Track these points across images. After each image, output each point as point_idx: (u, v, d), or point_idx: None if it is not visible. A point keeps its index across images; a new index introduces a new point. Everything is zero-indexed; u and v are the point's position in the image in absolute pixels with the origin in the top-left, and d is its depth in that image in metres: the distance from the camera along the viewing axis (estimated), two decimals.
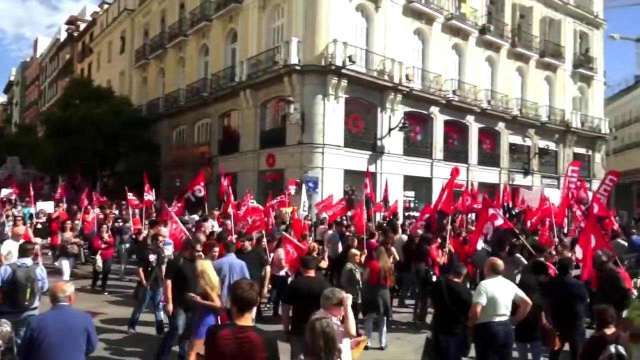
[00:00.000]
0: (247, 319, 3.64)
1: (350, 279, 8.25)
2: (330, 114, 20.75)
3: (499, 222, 9.70)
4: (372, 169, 22.24)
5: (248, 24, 24.40)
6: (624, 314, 6.13)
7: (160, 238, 9.07)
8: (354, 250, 8.96)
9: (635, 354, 4.91)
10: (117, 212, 18.11)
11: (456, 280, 6.43)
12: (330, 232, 13.36)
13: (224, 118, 26.70)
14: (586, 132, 32.49)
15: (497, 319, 5.83)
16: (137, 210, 15.99)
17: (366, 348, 8.08)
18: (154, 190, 16.85)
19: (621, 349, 4.65)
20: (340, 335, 4.01)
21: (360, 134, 22.47)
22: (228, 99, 25.01)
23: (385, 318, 8.39)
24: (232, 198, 13.28)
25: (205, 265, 6.64)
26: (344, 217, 15.72)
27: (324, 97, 20.59)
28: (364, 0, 22.36)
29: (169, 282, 6.80)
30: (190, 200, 14.60)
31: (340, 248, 11.91)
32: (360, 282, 8.27)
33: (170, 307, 6.79)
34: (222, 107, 26.11)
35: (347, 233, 12.99)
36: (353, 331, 4.50)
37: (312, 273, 6.23)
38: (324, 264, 10.13)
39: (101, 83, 38.62)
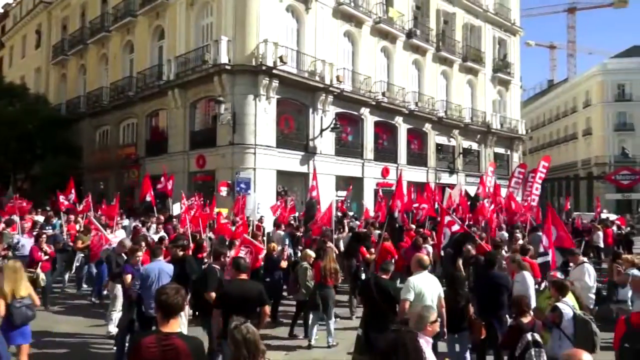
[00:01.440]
0: (173, 326, 3.51)
1: (302, 277, 8.51)
2: (262, 115, 20.60)
3: (456, 227, 10.19)
4: (304, 169, 22.38)
5: (176, 21, 23.68)
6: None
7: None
8: (308, 251, 9.15)
9: (548, 340, 5.25)
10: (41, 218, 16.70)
11: (384, 277, 6.56)
12: (280, 232, 13.47)
13: (151, 118, 25.75)
14: (505, 133, 34.53)
15: None
16: (63, 216, 14.85)
17: (309, 347, 8.20)
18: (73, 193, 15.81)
19: (537, 336, 4.94)
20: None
21: (293, 134, 22.50)
22: (155, 98, 24.16)
23: (328, 316, 8.41)
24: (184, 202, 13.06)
25: None
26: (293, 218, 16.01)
27: (255, 98, 20.41)
28: (294, 1, 22.41)
29: (212, 294, 6.47)
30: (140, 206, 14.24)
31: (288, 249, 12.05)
32: (311, 282, 8.52)
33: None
34: (149, 107, 25.17)
35: (298, 233, 13.48)
36: None
37: (244, 276, 6.04)
38: (284, 264, 10.13)
39: (14, 80, 35.98)
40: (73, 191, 15.52)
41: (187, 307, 7.56)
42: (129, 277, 7.43)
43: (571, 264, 8.66)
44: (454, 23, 31.30)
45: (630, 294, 6.55)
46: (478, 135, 32.81)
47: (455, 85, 31.54)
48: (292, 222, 15.38)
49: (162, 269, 7.15)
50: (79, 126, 29.90)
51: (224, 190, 17.93)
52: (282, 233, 13.34)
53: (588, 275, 7.97)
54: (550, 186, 55.84)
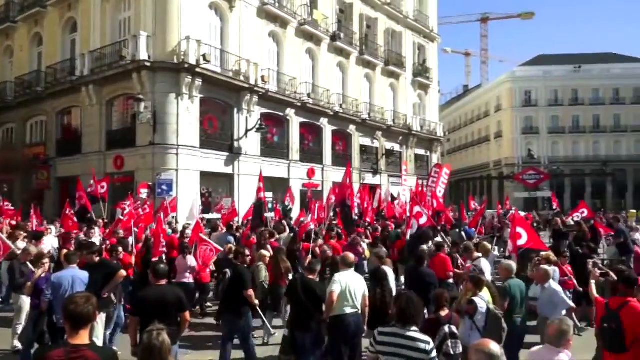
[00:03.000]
0: (83, 337, 3.28)
1: (257, 277, 8.50)
2: (185, 114, 19.99)
3: (424, 220, 10.28)
4: (229, 170, 22.01)
5: (90, 13, 22.39)
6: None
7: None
8: (263, 251, 9.17)
9: (461, 328, 5.54)
10: None
11: (311, 277, 6.58)
12: (216, 234, 13.28)
13: (62, 116, 24.17)
14: (425, 135, 36.05)
15: (349, 310, 6.08)
16: None
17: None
18: None
19: (454, 328, 5.17)
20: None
21: (217, 134, 22.05)
22: (67, 94, 22.70)
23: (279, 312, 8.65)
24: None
25: None
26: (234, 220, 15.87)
27: (177, 96, 19.77)
28: None
29: (251, 291, 6.97)
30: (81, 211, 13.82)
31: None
32: (266, 282, 8.53)
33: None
34: (61, 104, 23.61)
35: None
36: None
37: (163, 282, 5.83)
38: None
39: None
40: None
41: (102, 315, 7.15)
42: (29, 284, 6.92)
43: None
44: (376, 28, 32.19)
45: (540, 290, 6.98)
46: (400, 137, 33.97)
47: (378, 88, 32.44)
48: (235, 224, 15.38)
49: (76, 276, 6.73)
50: None
51: (144, 193, 17.17)
52: (221, 234, 13.10)
53: (485, 269, 8.49)
54: (466, 186, 59.22)
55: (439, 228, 14.58)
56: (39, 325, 7.00)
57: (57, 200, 23.51)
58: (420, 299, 4.52)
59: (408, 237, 10.65)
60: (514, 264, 7.28)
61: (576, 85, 57.26)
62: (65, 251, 8.67)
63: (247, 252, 7.97)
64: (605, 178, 48.38)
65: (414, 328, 4.08)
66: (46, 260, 7.11)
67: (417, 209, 10.52)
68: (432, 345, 4.06)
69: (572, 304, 6.74)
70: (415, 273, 7.88)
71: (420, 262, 7.98)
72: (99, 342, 6.90)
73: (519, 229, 8.45)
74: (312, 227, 11.97)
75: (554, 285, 6.91)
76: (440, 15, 42.30)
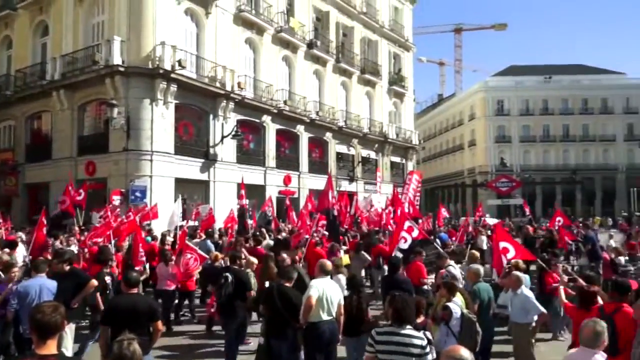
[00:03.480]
0: (51, 347, 3.18)
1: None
2: (159, 120, 19.74)
3: (416, 233, 10.27)
4: (204, 177, 21.80)
5: (62, 17, 21.98)
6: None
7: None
8: (251, 258, 9.26)
9: (436, 334, 5.63)
10: None
11: (287, 284, 6.53)
12: (196, 240, 13.43)
13: (32, 120, 23.61)
14: (400, 143, 36.41)
15: (325, 317, 6.07)
16: None
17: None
18: None
19: (428, 334, 5.22)
20: None
21: (192, 141, 21.83)
22: (38, 99, 22.17)
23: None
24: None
25: None
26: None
27: (151, 102, 19.51)
28: (194, 5, 21.82)
29: (253, 292, 7.73)
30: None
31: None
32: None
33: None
34: (30, 108, 23.05)
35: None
36: None
37: (135, 290, 5.71)
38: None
39: None
40: None
41: (71, 325, 6.97)
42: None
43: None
44: (352, 36, 32.46)
45: (510, 299, 7.06)
46: (376, 144, 34.22)
47: (354, 96, 32.68)
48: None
49: (44, 285, 6.52)
50: None
51: (116, 199, 16.84)
52: (200, 242, 13.12)
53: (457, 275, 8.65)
54: (441, 193, 59.97)
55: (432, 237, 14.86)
56: (4, 336, 6.79)
57: (26, 207, 22.91)
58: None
59: (397, 253, 10.34)
60: (482, 268, 7.42)
61: (546, 95, 58.81)
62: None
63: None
64: (575, 186, 49.60)
65: (409, 327, 4.36)
66: (16, 269, 6.88)
67: (408, 223, 10.46)
68: (426, 341, 4.30)
69: (544, 310, 6.87)
70: (391, 280, 8.04)
71: (394, 269, 8.20)
72: (68, 353, 6.73)
73: (504, 244, 8.48)
74: (307, 236, 12.11)
75: (526, 291, 7.03)
76: (415, 25, 43.00)
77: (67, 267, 7.81)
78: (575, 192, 52.95)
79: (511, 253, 8.22)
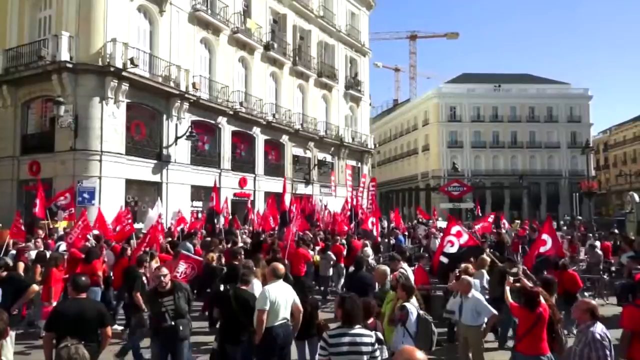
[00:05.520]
0: None
1: None
2: (109, 119, 19.12)
3: (465, 239, 9.76)
4: (157, 178, 21.28)
5: (7, 10, 20.98)
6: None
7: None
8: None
9: (392, 335, 5.70)
10: None
11: (244, 288, 6.43)
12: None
13: None
14: (356, 147, 36.79)
15: (278, 322, 5.99)
16: None
17: None
18: None
19: (379, 335, 5.27)
20: None
21: (144, 141, 21.25)
22: None
23: None
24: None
25: None
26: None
27: (101, 100, 18.88)
28: (147, 2, 21.29)
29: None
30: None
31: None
32: None
33: None
34: None
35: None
36: None
37: (83, 295, 5.44)
38: None
39: None
40: None
41: (11, 333, 6.62)
42: None
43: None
44: (309, 40, 32.55)
45: (458, 304, 7.21)
46: (332, 147, 34.42)
47: (311, 99, 32.74)
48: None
49: None
50: None
51: (62, 200, 16.13)
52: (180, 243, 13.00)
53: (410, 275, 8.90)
54: (396, 197, 60.97)
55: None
56: None
57: None
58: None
59: (443, 258, 9.93)
60: (388, 269, 7.65)
61: (496, 103, 60.92)
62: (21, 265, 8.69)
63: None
64: (522, 190, 51.56)
65: (358, 326, 4.46)
66: None
67: (457, 228, 10.07)
68: (375, 337, 4.41)
69: (495, 311, 7.06)
70: (355, 277, 8.58)
71: (359, 266, 8.75)
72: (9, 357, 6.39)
73: (544, 236, 9.02)
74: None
75: (477, 294, 7.20)
76: (372, 30, 43.69)
77: (4, 273, 7.44)
78: (522, 197, 55.04)
79: (547, 246, 8.92)
